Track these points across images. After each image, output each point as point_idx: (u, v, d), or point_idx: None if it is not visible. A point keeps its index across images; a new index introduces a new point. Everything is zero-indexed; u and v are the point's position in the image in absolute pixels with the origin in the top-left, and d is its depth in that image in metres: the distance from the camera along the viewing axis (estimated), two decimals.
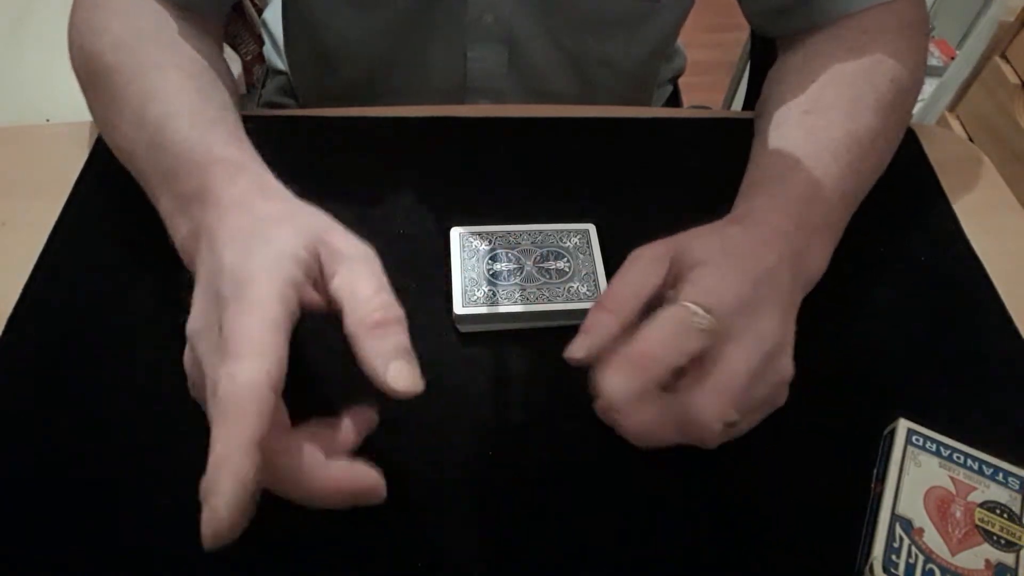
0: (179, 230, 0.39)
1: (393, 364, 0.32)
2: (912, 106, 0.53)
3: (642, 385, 0.34)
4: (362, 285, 0.34)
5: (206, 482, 0.28)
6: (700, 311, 0.35)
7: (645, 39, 0.66)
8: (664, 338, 0.35)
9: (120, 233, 0.48)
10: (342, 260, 0.34)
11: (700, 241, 0.40)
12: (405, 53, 0.63)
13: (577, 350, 0.38)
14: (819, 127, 0.48)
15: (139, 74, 0.45)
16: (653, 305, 0.39)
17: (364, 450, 0.40)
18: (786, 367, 0.38)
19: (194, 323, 0.34)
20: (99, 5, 0.48)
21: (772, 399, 0.38)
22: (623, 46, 0.65)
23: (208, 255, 0.35)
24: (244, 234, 0.34)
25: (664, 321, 0.36)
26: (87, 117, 0.52)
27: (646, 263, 0.40)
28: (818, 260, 0.44)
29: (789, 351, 0.38)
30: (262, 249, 0.33)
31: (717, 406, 0.35)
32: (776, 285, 0.39)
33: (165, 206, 0.41)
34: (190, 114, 0.42)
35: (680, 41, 0.78)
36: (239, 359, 0.29)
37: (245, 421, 0.28)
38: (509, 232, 0.47)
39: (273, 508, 0.37)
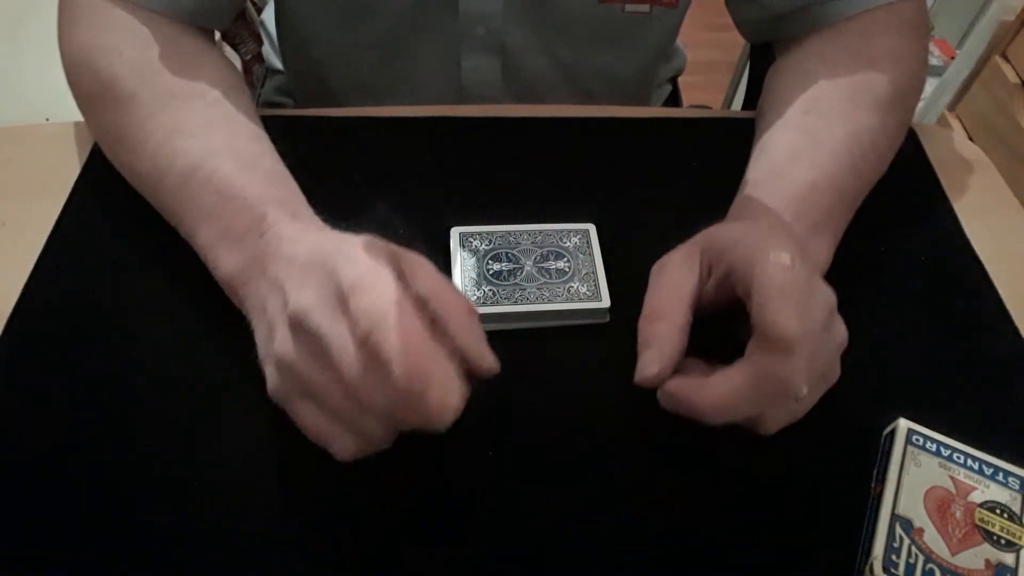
0: (224, 263, 0.40)
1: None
2: (913, 107, 0.53)
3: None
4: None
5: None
6: (787, 254, 0.35)
7: (640, 48, 0.65)
8: (790, 278, 0.35)
9: (120, 233, 0.48)
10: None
11: (720, 229, 0.40)
12: (397, 64, 0.63)
13: (649, 366, 0.37)
14: (817, 127, 0.48)
15: (163, 105, 0.45)
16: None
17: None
18: (841, 330, 0.38)
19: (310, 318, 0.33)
20: (106, 27, 0.47)
21: (831, 368, 0.38)
22: (618, 57, 0.65)
23: (285, 267, 0.35)
24: (327, 245, 0.35)
25: (775, 267, 0.35)
26: None
27: (677, 264, 0.40)
28: (821, 255, 0.44)
29: (838, 315, 0.38)
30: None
31: (805, 372, 0.34)
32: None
33: (204, 239, 0.42)
34: (230, 152, 0.43)
35: (680, 41, 0.78)
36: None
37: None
38: (509, 232, 0.47)
39: (272, 506, 0.38)
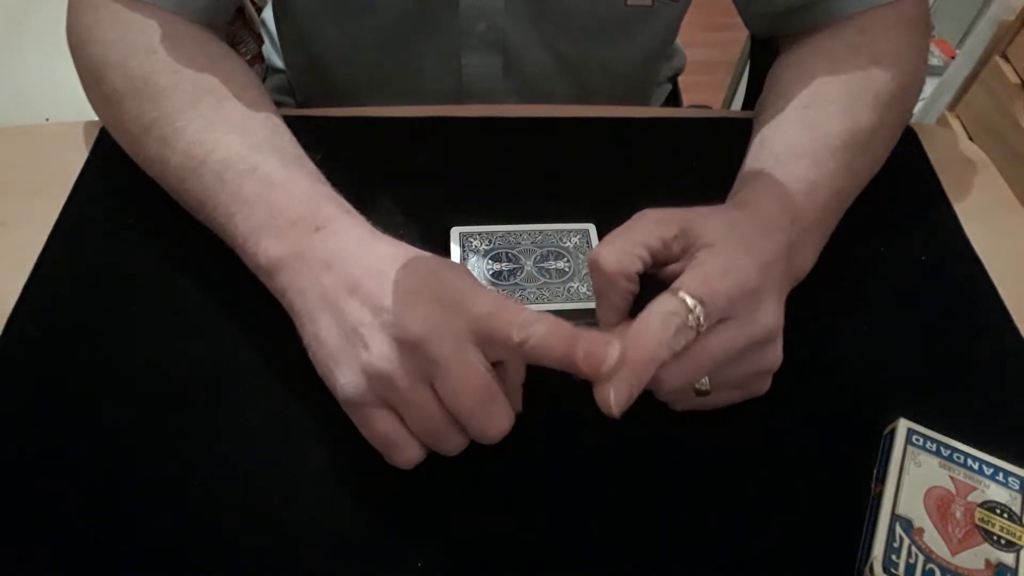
0: (268, 248, 0.40)
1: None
2: (912, 105, 0.53)
3: (640, 389, 0.34)
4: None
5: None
6: (694, 304, 0.35)
7: (642, 42, 0.65)
8: (658, 339, 0.35)
9: (120, 233, 0.48)
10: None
11: (710, 221, 0.39)
12: (397, 61, 0.63)
13: (607, 318, 0.39)
14: (818, 121, 0.48)
15: (198, 100, 0.45)
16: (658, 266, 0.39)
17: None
18: (773, 357, 0.38)
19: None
20: (135, 27, 0.47)
21: (751, 384, 0.39)
22: (620, 51, 0.65)
23: (375, 279, 0.37)
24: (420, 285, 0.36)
25: (657, 319, 0.35)
26: (87, 117, 0.52)
27: (652, 223, 0.39)
28: (808, 258, 0.44)
29: (779, 341, 0.38)
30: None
31: (681, 378, 0.36)
32: (774, 276, 0.39)
33: (243, 224, 0.42)
34: (274, 150, 0.44)
35: (680, 40, 0.78)
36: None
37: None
38: (509, 232, 0.47)
39: (272, 505, 0.38)
